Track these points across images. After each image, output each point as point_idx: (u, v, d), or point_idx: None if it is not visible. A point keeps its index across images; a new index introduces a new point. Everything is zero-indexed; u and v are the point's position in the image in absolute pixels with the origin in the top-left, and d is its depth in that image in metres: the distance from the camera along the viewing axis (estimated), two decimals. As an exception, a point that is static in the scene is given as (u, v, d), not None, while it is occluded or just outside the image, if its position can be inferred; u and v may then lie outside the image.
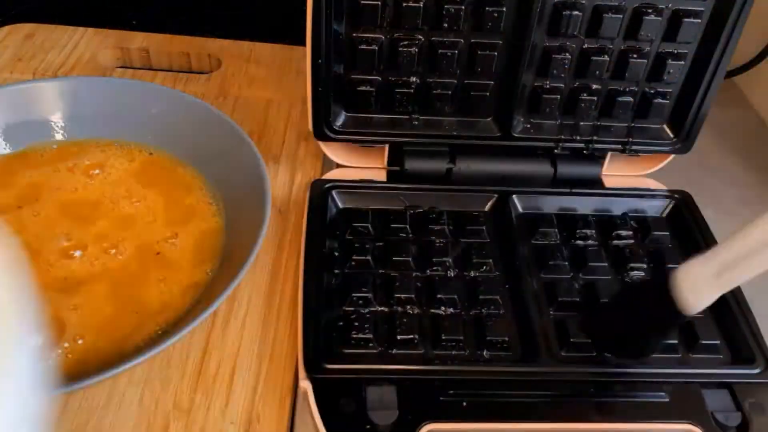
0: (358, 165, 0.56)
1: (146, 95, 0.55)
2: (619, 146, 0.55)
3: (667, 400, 0.42)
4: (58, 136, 0.54)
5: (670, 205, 0.56)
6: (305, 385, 0.41)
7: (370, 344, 0.44)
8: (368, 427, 0.39)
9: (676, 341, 0.45)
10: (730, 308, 0.47)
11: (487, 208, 0.54)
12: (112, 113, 0.54)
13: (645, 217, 0.55)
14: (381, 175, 0.55)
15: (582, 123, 0.54)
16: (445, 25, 0.48)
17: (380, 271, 0.49)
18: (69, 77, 0.62)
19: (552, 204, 0.55)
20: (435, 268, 0.49)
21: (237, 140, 0.51)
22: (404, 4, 0.47)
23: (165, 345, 0.38)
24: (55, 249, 0.46)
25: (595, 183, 0.56)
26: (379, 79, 0.51)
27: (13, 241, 0.30)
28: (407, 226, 0.51)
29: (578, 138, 0.54)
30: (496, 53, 0.50)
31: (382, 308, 0.46)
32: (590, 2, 0.48)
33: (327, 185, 0.53)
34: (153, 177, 0.52)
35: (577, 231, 0.53)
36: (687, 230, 0.53)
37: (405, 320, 0.45)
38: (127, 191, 0.51)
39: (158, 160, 0.54)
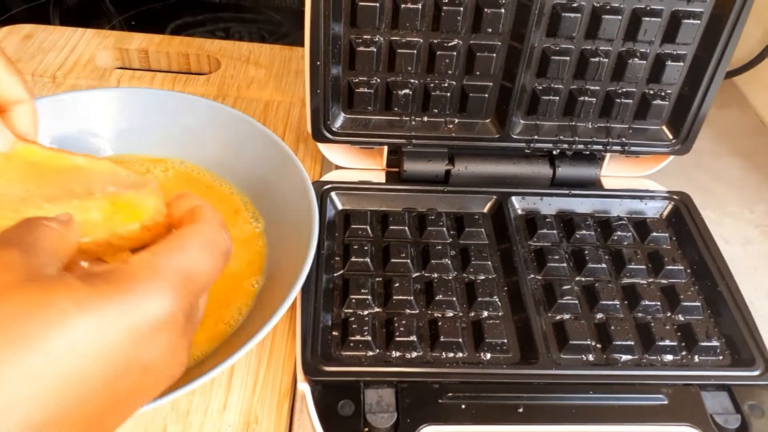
0: (357, 166, 0.56)
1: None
2: (618, 147, 0.55)
3: (666, 402, 0.42)
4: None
5: (670, 207, 0.56)
6: (304, 387, 0.41)
7: (369, 347, 0.44)
8: (367, 429, 0.39)
9: (675, 343, 0.45)
10: (730, 310, 0.47)
11: (485, 209, 0.54)
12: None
13: (644, 218, 0.55)
14: (380, 177, 0.55)
15: (581, 124, 0.54)
16: (444, 26, 0.48)
17: (379, 273, 0.49)
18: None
19: (551, 205, 0.55)
20: (434, 270, 0.49)
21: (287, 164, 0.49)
22: (403, 6, 0.47)
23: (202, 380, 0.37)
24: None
25: (594, 184, 0.56)
26: (378, 80, 0.51)
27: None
28: (406, 228, 0.51)
29: (577, 139, 0.54)
30: (494, 55, 0.50)
31: (381, 310, 0.46)
32: (589, 3, 0.48)
33: (325, 187, 0.53)
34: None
35: (576, 232, 0.53)
36: (686, 231, 0.53)
37: (404, 322, 0.45)
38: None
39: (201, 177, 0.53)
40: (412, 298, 0.47)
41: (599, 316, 0.47)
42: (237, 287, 0.46)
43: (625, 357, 0.45)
